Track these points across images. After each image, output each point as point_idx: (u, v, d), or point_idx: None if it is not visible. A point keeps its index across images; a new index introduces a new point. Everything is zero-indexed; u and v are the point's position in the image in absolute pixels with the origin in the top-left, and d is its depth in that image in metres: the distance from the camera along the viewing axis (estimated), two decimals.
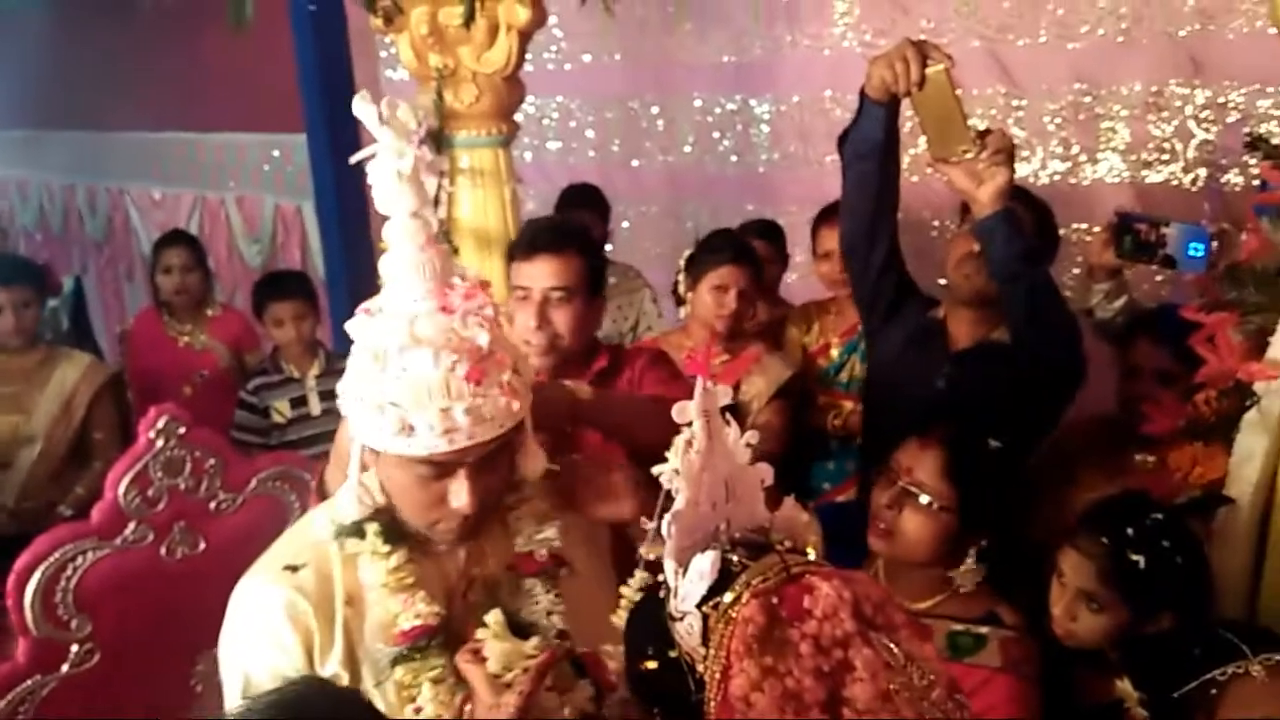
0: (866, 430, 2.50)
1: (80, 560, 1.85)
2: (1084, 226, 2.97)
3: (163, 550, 1.95)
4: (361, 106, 1.19)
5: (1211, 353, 1.73)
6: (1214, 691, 1.31)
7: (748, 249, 2.72)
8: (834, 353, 2.84)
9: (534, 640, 1.24)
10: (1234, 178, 2.78)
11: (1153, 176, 2.94)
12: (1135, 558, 1.52)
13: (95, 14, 5.99)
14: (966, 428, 1.79)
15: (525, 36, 2.39)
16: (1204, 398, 1.74)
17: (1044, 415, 2.10)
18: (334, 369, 3.31)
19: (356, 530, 1.31)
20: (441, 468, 1.23)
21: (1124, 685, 1.51)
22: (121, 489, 1.90)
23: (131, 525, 1.92)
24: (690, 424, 1.05)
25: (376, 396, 1.20)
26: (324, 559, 1.32)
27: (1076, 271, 2.86)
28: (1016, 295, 1.97)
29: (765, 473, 1.12)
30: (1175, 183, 2.89)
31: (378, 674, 1.29)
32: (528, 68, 2.46)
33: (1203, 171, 2.87)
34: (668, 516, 1.03)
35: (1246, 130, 2.53)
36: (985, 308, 2.11)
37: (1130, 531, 1.54)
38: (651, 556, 1.17)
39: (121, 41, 5.91)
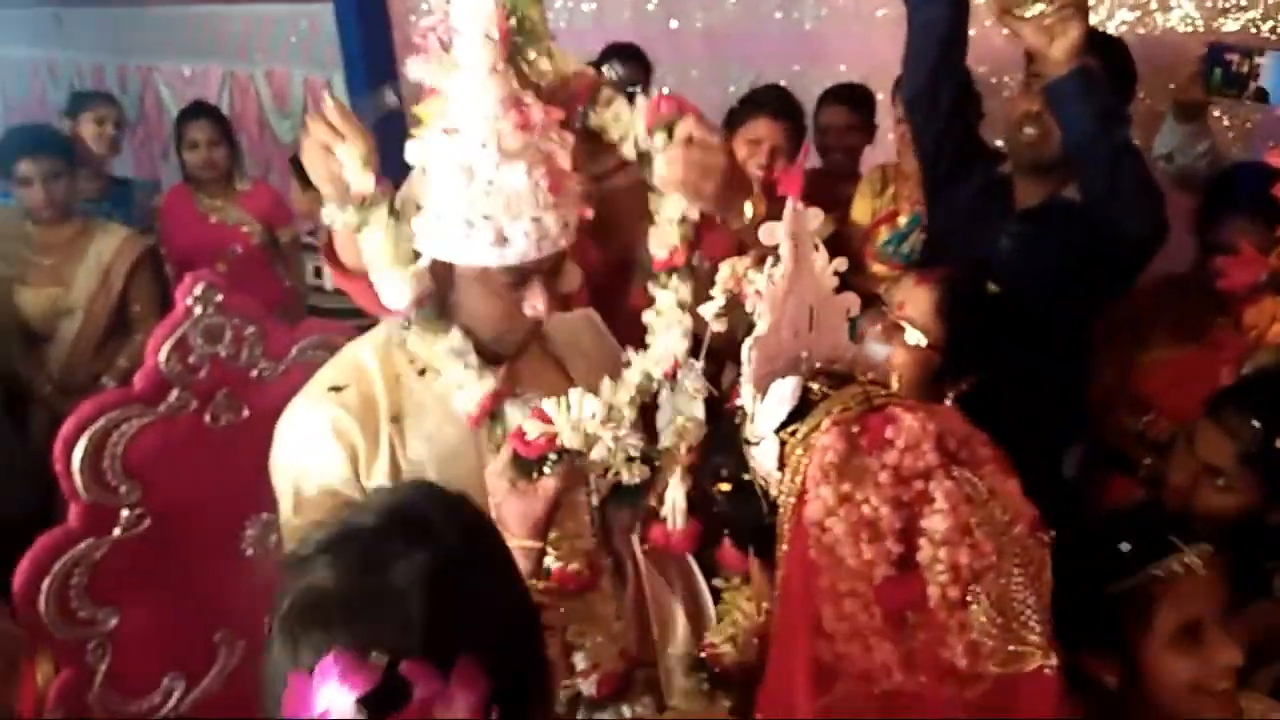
0: None
1: (125, 427, 1.84)
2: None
3: (206, 417, 1.94)
4: None
5: None
6: (1153, 588, 1.23)
7: (791, 107, 2.60)
8: (901, 220, 2.73)
9: None
10: None
11: (1228, 25, 2.75)
12: None
13: None
14: (966, 270, 1.76)
15: None
16: None
17: (1116, 280, 2.00)
18: None
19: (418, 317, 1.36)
20: (522, 276, 1.31)
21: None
22: (162, 355, 1.88)
23: (174, 392, 1.90)
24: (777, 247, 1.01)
25: (465, 211, 1.25)
26: (367, 380, 1.41)
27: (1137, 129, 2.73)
28: (1094, 163, 1.85)
29: (851, 302, 1.10)
30: (1254, 30, 2.71)
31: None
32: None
33: None
34: (749, 341, 1.02)
35: None
36: (1051, 170, 1.99)
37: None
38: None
39: None
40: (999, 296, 1.75)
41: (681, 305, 1.38)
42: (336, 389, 1.40)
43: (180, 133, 3.75)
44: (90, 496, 1.80)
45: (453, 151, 1.26)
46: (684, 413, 1.31)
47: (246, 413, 1.98)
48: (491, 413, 1.39)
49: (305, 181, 3.43)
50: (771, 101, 2.59)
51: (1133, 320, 2.08)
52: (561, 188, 1.28)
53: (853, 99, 2.93)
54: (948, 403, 1.66)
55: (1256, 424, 1.48)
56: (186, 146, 3.71)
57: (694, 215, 1.36)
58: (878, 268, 2.72)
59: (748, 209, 1.35)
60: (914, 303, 1.69)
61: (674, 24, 3.94)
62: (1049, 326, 1.88)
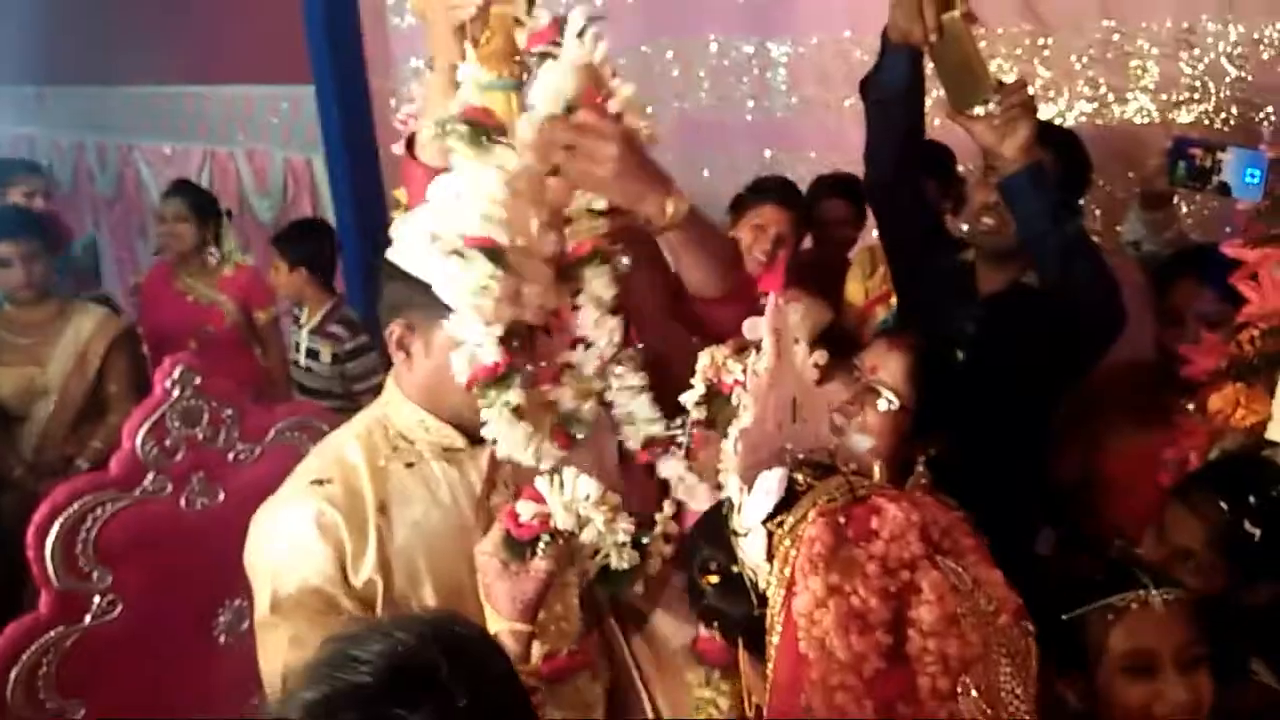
0: None
1: (99, 511, 1.83)
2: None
3: (182, 501, 1.94)
4: None
5: (1254, 290, 1.68)
6: (1111, 616, 1.31)
7: (796, 196, 2.68)
8: (894, 300, 2.78)
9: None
10: (1270, 117, 2.70)
11: (1183, 116, 2.85)
12: (1252, 529, 1.48)
13: None
14: (933, 337, 1.80)
15: None
16: (1246, 337, 1.69)
17: (1076, 366, 2.04)
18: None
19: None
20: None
21: None
22: (139, 439, 1.88)
23: (150, 476, 1.90)
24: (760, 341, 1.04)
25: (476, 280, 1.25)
26: (351, 473, 1.39)
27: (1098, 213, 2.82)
28: (1048, 255, 1.91)
29: (833, 394, 1.11)
30: (1207, 122, 2.81)
31: (411, 576, 1.35)
32: (540, 14, 2.39)
33: (1234, 110, 2.79)
34: (734, 433, 1.03)
35: None
36: (1012, 256, 2.05)
37: (1252, 499, 1.50)
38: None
39: None
40: (965, 365, 1.76)
41: (598, 303, 1.38)
42: (320, 482, 1.37)
43: (162, 209, 3.79)
44: (62, 584, 1.78)
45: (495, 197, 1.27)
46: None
47: (222, 496, 1.98)
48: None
49: (289, 261, 3.50)
50: (777, 189, 2.66)
51: (1097, 404, 2.12)
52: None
53: (850, 190, 3.00)
54: (919, 468, 1.69)
55: (1224, 506, 1.51)
56: (158, 221, 3.74)
57: (599, 205, 1.36)
58: None
59: (669, 206, 1.35)
60: (886, 366, 1.71)
61: (649, 109, 4.03)
62: (1012, 407, 1.91)
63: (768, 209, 2.59)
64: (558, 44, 1.28)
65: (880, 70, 1.99)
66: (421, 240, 1.30)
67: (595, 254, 1.38)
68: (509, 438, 1.29)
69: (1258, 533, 1.48)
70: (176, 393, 1.92)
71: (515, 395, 1.27)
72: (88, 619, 1.82)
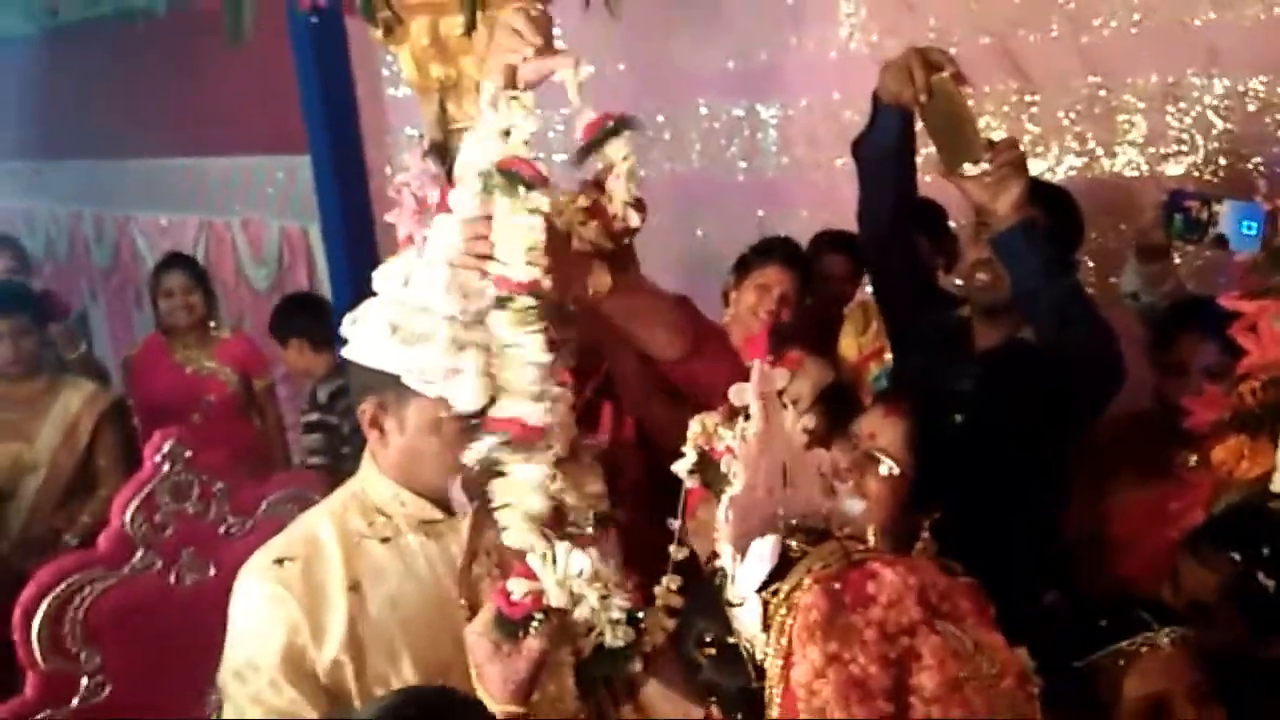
0: None
1: (88, 590, 1.81)
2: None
3: (172, 577, 1.91)
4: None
5: (1253, 342, 1.67)
6: (1122, 662, 1.31)
7: (799, 256, 2.68)
8: (888, 356, 2.77)
9: None
10: (1259, 167, 2.72)
11: (1171, 169, 2.87)
12: (1266, 581, 1.46)
13: (94, 41, 5.99)
14: (930, 396, 1.79)
15: None
16: (1248, 388, 1.68)
17: (1076, 420, 2.02)
18: None
19: None
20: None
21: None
22: (128, 515, 1.86)
23: (139, 552, 1.88)
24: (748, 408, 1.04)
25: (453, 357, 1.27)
26: (318, 552, 1.38)
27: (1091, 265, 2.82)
28: (1044, 310, 1.90)
29: (822, 459, 1.10)
30: (1196, 174, 2.83)
31: (389, 653, 1.34)
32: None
33: (1222, 162, 2.81)
34: (725, 501, 1.02)
35: None
36: (1007, 312, 2.05)
37: (1265, 551, 1.48)
38: (680, 557, 1.19)
39: (121, 68, 5.90)
40: (963, 426, 1.76)
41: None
42: (280, 562, 1.38)
43: (156, 283, 3.79)
44: (49, 665, 1.75)
45: (451, 276, 1.28)
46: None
47: (213, 571, 1.95)
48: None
49: (285, 338, 3.53)
50: (781, 250, 2.67)
51: (1098, 459, 2.10)
52: None
53: (850, 246, 3.01)
54: (924, 534, 1.67)
55: (1237, 558, 1.49)
56: (161, 295, 3.74)
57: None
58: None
59: (590, 285, 1.36)
60: (884, 433, 1.71)
61: (642, 173, 4.06)
62: (1012, 465, 1.89)
63: (771, 269, 2.59)
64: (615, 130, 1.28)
65: (872, 130, 2.00)
66: (381, 333, 1.31)
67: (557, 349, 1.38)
68: (519, 536, 1.28)
69: (1272, 585, 1.45)
70: (166, 467, 1.91)
71: (538, 500, 1.26)
72: (75, 701, 1.79)
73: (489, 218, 1.28)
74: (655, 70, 3.92)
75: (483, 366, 1.27)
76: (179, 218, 5.96)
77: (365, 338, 1.34)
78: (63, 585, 1.77)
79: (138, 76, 5.82)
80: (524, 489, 1.26)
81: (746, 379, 1.18)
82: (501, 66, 1.33)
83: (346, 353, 1.38)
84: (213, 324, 3.84)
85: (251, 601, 1.37)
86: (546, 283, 1.26)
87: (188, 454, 1.92)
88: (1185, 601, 1.53)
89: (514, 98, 1.30)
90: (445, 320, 1.28)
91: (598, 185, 1.49)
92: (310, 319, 3.62)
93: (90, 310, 6.19)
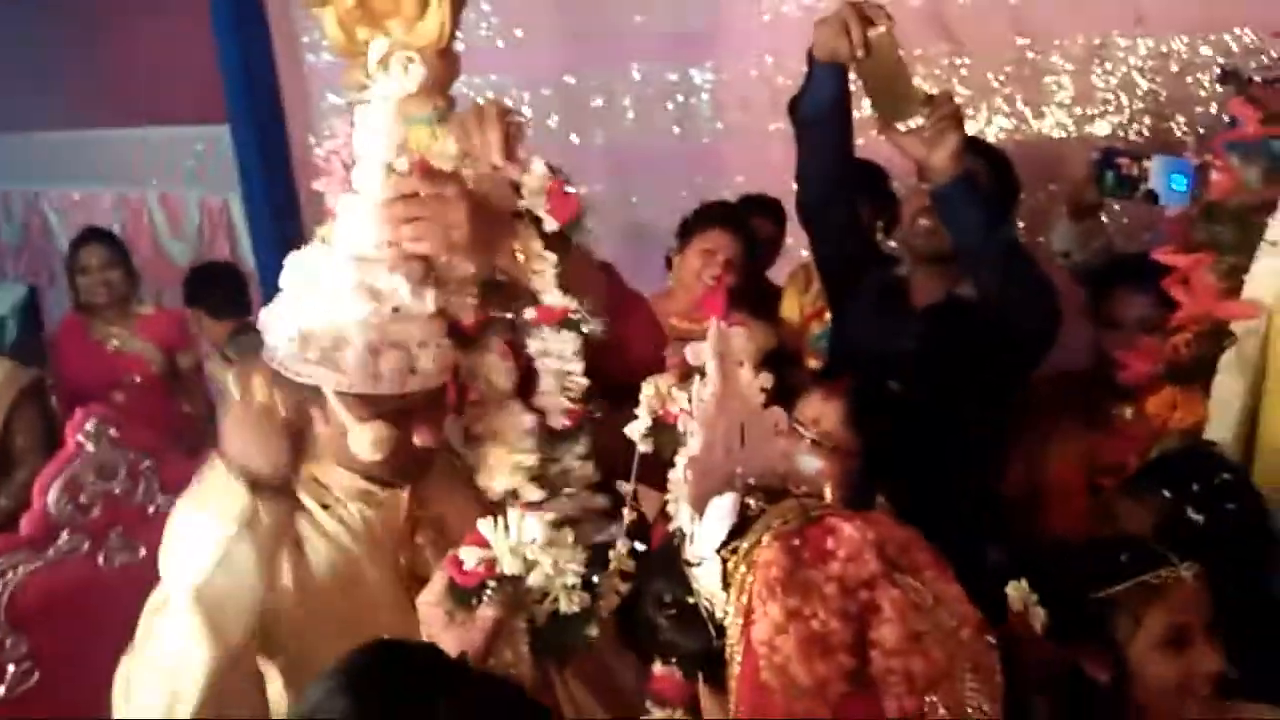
0: None
1: (11, 575, 1.74)
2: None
3: (100, 559, 1.84)
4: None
5: (1186, 295, 1.70)
6: (1146, 594, 1.35)
7: (742, 219, 2.68)
8: (829, 316, 2.79)
9: None
10: (1182, 126, 2.78)
11: (1099, 129, 2.93)
12: (1195, 516, 1.51)
13: None
14: (865, 375, 1.80)
15: (458, 6, 2.29)
16: (1181, 340, 1.71)
17: (1017, 370, 2.06)
18: None
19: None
20: (409, 405, 1.29)
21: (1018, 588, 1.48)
22: (51, 496, 1.79)
23: (64, 535, 1.81)
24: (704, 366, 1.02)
25: (370, 337, 1.24)
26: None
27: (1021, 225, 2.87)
28: (983, 264, 1.92)
29: (779, 417, 1.09)
30: (1122, 134, 2.89)
31: (322, 615, 1.30)
32: (459, 46, 2.37)
33: (1148, 122, 2.87)
34: (682, 461, 1.00)
35: (1222, 65, 2.52)
36: (947, 263, 2.06)
37: (1195, 487, 1.52)
38: (631, 517, 1.20)
39: (29, 38, 5.65)
40: (902, 395, 1.78)
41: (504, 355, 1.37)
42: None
43: (73, 259, 3.64)
44: None
45: (359, 276, 1.25)
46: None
47: (143, 552, 1.89)
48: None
49: (190, 306, 3.46)
50: (724, 214, 2.67)
51: (1035, 415, 2.14)
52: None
53: (774, 210, 3.01)
54: (880, 502, 1.68)
55: (1167, 494, 1.53)
56: (78, 272, 3.60)
57: (468, 270, 1.33)
58: (815, 363, 2.77)
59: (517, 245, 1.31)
60: (825, 417, 1.72)
61: (575, 140, 4.02)
62: (953, 420, 1.91)
63: (714, 233, 2.59)
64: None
65: (808, 89, 1.99)
66: (294, 344, 1.26)
67: (489, 324, 1.37)
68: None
69: (1200, 519, 1.50)
70: (90, 446, 1.83)
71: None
72: (2, 689, 1.72)
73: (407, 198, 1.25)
74: (586, 35, 3.87)
75: (404, 362, 1.25)
76: (92, 192, 5.75)
77: (280, 347, 1.28)
78: None
79: (45, 43, 5.58)
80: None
81: (664, 348, 1.18)
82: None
83: (264, 354, 1.31)
84: (135, 300, 3.71)
85: (214, 492, 1.26)
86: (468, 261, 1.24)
87: (112, 431, 1.86)
88: None
89: (408, 59, 1.26)
90: (357, 325, 1.24)
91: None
92: (212, 288, 3.65)
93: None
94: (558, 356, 1.35)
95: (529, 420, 1.40)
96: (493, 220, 1.29)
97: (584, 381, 1.35)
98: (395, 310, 1.25)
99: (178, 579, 1.23)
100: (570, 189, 1.33)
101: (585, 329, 1.33)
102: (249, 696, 1.31)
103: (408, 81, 1.25)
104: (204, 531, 1.22)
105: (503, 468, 1.39)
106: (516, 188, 1.32)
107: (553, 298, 1.31)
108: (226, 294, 3.68)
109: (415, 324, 1.27)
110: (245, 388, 1.26)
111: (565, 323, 1.32)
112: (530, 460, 1.38)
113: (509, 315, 1.40)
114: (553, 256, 1.30)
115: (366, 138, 1.27)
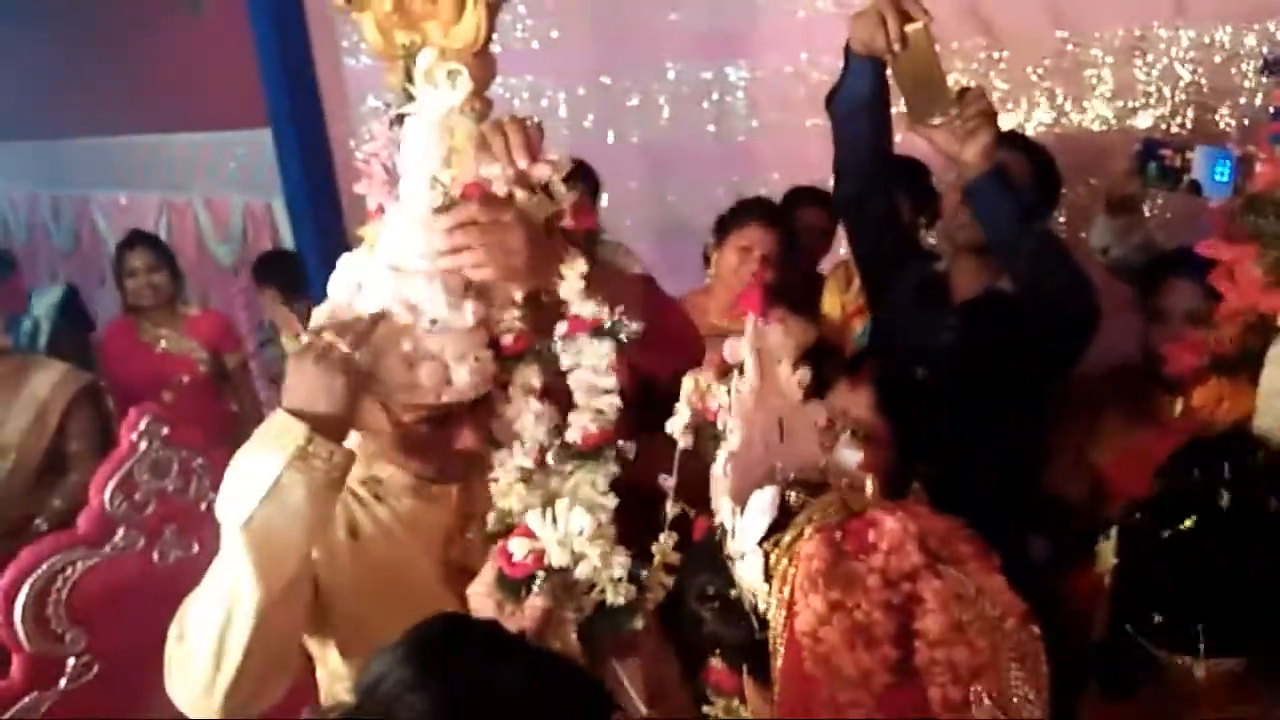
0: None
1: (70, 571, 1.79)
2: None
3: (155, 555, 1.89)
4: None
5: (1231, 287, 1.68)
6: None
7: (779, 215, 2.68)
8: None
9: None
10: (1225, 118, 2.74)
11: (1141, 121, 2.90)
12: (1226, 497, 1.48)
13: (46, 18, 5.84)
14: (892, 362, 1.78)
15: (494, 8, 2.31)
16: (1227, 333, 1.70)
17: (1057, 364, 2.04)
18: None
19: None
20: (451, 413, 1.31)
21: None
22: (107, 494, 1.84)
23: (120, 531, 1.85)
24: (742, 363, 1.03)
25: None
26: None
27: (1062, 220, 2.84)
28: (1017, 258, 1.91)
29: (818, 412, 1.10)
30: (1164, 126, 2.85)
31: (374, 601, 1.31)
32: (495, 48, 2.39)
33: (1190, 113, 2.83)
34: (722, 457, 0.99)
35: (1265, 55, 2.48)
36: (986, 255, 2.06)
37: (1225, 470, 1.49)
38: (674, 513, 1.20)
39: (75, 45, 5.77)
40: (929, 381, 1.77)
41: (529, 390, 1.33)
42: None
43: (120, 262, 3.72)
44: (34, 647, 1.73)
45: (397, 287, 1.26)
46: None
47: (196, 548, 1.93)
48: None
49: (261, 286, 3.53)
50: (760, 210, 2.66)
51: (1085, 412, 2.13)
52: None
53: (825, 200, 2.99)
54: (914, 488, 1.69)
55: (1197, 474, 1.52)
56: (126, 275, 3.68)
57: (519, 296, 1.32)
58: None
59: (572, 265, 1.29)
60: (855, 405, 1.71)
61: (611, 139, 4.04)
62: (994, 414, 1.91)
63: (751, 230, 2.58)
64: None
65: (844, 83, 1.99)
66: None
67: (531, 347, 1.35)
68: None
69: (1227, 499, 1.48)
70: (144, 445, 1.88)
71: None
72: (63, 682, 1.76)
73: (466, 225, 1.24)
74: (621, 35, 3.89)
75: (439, 374, 1.25)
76: (139, 196, 5.86)
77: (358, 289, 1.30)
78: (44, 567, 1.75)
79: (90, 52, 5.70)
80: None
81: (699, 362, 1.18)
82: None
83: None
84: (181, 302, 3.79)
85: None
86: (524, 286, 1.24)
87: (165, 430, 1.90)
88: None
89: (453, 70, 1.26)
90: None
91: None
92: (283, 270, 3.81)
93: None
94: (591, 369, 1.30)
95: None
96: (544, 243, 1.28)
97: (616, 400, 1.30)
98: (433, 323, 1.26)
99: (230, 514, 1.20)
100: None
101: (623, 336, 1.29)
102: (295, 630, 1.30)
103: (455, 94, 1.25)
104: (258, 465, 1.18)
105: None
106: (545, 189, 1.31)
107: (584, 308, 1.29)
108: (297, 276, 3.79)
109: (453, 337, 1.27)
110: (310, 333, 1.25)
111: (597, 331, 1.29)
112: (526, 461, 1.32)
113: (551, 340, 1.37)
114: (583, 265, 1.28)
115: (412, 150, 1.27)
